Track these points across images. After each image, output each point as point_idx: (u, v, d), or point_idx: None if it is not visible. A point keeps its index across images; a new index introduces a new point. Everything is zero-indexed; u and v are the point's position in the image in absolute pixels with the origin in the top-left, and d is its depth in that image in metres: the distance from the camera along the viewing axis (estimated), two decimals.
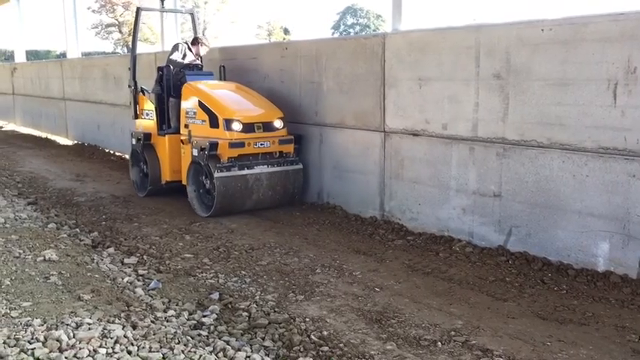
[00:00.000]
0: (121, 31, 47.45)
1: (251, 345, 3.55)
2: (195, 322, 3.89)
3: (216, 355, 3.39)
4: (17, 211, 6.85)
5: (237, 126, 6.68)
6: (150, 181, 7.75)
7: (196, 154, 6.80)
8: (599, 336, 3.75)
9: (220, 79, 7.97)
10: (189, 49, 7.87)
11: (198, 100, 7.00)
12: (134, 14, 8.63)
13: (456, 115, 5.60)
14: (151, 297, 4.33)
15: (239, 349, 3.46)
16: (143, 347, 3.40)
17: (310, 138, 7.32)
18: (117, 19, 47.51)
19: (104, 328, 3.60)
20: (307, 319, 3.99)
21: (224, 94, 7.21)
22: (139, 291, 4.42)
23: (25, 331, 3.54)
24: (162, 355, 3.33)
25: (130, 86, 8.42)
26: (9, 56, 35.36)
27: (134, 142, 8.06)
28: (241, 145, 6.67)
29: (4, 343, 3.37)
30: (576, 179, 4.77)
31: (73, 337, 3.46)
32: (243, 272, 4.97)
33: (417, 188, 6.06)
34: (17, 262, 4.90)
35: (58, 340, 3.39)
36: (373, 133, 6.48)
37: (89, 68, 13.08)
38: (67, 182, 9.02)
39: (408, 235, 5.98)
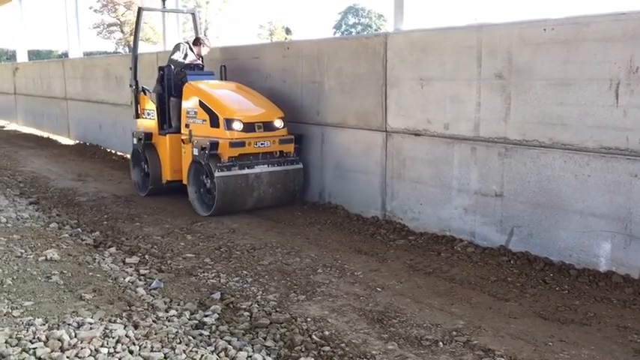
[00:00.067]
0: (122, 31, 47.49)
1: (252, 345, 3.54)
2: (197, 321, 3.89)
3: (217, 354, 3.39)
4: (19, 210, 6.86)
5: (237, 125, 6.70)
6: (151, 180, 7.77)
7: (197, 154, 6.81)
8: (601, 336, 3.74)
9: (221, 79, 7.98)
10: (191, 49, 7.89)
11: (199, 100, 7.02)
12: (136, 14, 8.64)
13: (457, 115, 5.60)
14: (153, 297, 4.34)
15: (240, 349, 3.46)
16: (145, 347, 3.41)
17: (312, 138, 7.32)
18: (119, 19, 47.56)
19: (106, 328, 3.60)
20: (309, 319, 3.99)
21: (225, 94, 7.22)
22: (141, 291, 4.42)
23: (27, 331, 3.54)
24: (163, 355, 3.33)
25: (131, 86, 8.44)
26: (11, 56, 35.44)
27: (135, 142, 8.08)
28: (242, 144, 6.68)
29: (6, 342, 3.37)
30: (578, 179, 4.77)
31: (75, 336, 3.47)
32: (244, 272, 4.97)
33: (419, 188, 6.05)
34: (19, 262, 4.90)
35: (59, 340, 3.39)
36: (375, 133, 6.47)
37: (91, 68, 13.09)
38: (69, 182, 9.03)
39: (409, 235, 5.98)
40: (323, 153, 7.22)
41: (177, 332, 3.62)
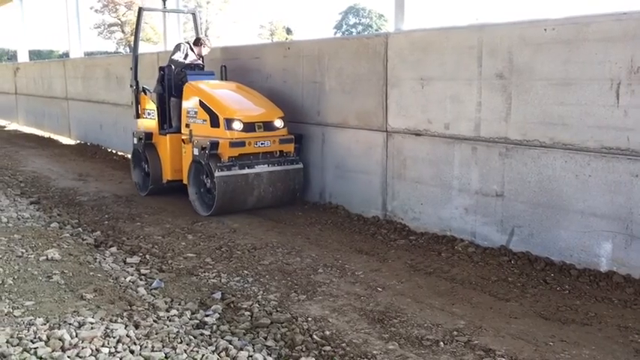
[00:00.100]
0: (123, 31, 47.52)
1: (253, 344, 3.55)
2: (198, 321, 3.89)
3: (218, 354, 3.39)
4: (20, 210, 6.86)
5: (237, 125, 6.70)
6: (151, 180, 7.78)
7: (197, 154, 6.82)
8: (602, 336, 3.74)
9: (221, 79, 7.98)
10: (192, 50, 7.91)
11: (199, 100, 7.02)
12: (136, 14, 8.65)
13: (458, 115, 5.60)
14: (154, 296, 4.34)
15: (241, 349, 3.46)
16: (145, 346, 3.41)
17: (312, 138, 7.32)
18: (119, 19, 47.60)
19: (107, 328, 3.60)
20: (309, 319, 3.99)
21: (225, 94, 7.23)
22: (142, 290, 4.43)
23: (28, 330, 3.54)
24: (164, 355, 3.33)
25: (131, 86, 8.44)
26: (12, 56, 35.46)
27: (136, 142, 8.09)
28: (242, 144, 6.68)
29: (7, 342, 3.37)
30: (579, 179, 4.77)
31: (76, 336, 3.47)
32: (245, 272, 4.97)
33: (420, 188, 6.05)
34: (20, 262, 4.91)
35: (60, 340, 3.40)
36: (375, 133, 6.47)
37: (92, 68, 13.10)
38: (70, 182, 9.04)
39: (410, 235, 5.98)
40: (324, 153, 7.22)
41: (178, 332, 3.62)
